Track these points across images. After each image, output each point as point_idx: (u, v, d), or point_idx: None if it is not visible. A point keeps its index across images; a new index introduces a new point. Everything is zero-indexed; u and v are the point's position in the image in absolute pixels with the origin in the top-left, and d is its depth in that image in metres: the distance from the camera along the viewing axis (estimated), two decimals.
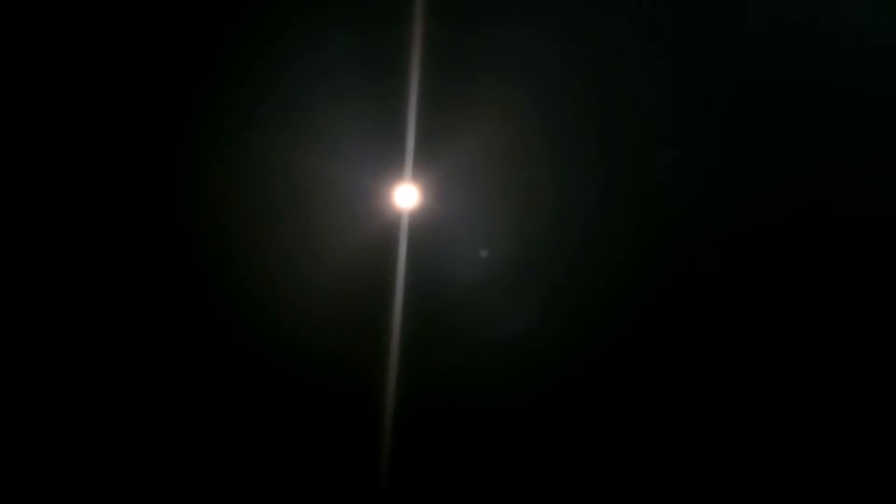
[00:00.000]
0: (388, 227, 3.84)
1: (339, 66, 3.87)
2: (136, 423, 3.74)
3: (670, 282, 3.87)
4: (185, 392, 3.76)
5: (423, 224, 3.85)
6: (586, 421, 3.78)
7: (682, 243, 3.89)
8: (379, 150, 3.85)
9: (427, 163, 3.85)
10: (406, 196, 3.86)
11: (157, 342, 3.78)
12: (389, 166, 3.84)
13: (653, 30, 3.99)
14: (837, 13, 4.00)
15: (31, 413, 3.72)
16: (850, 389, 3.79)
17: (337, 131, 3.85)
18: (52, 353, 3.76)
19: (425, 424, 3.77)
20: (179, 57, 3.89)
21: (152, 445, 3.72)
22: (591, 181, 3.91)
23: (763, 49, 3.99)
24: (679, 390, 3.81)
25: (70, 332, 3.77)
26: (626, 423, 3.79)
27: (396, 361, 3.78)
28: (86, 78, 3.87)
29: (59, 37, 3.89)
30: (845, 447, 3.76)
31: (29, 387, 3.74)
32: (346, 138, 3.85)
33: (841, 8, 4.00)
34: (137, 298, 3.80)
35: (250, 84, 3.88)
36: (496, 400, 3.79)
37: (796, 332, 3.84)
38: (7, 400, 3.72)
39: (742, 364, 3.83)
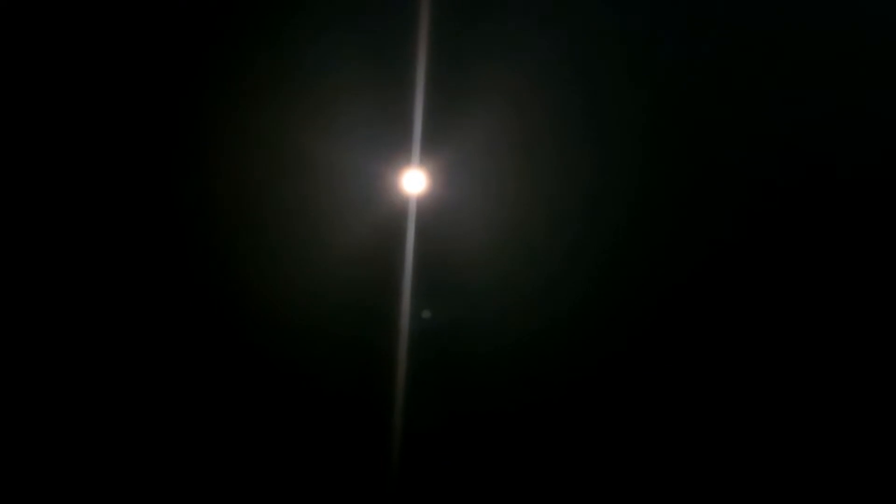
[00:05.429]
0: (395, 213, 3.86)
1: (347, 53, 3.88)
2: (145, 416, 3.76)
3: (675, 261, 3.91)
4: (197, 380, 3.77)
5: (430, 209, 3.87)
6: (596, 403, 3.83)
7: (686, 227, 3.95)
8: (387, 136, 3.87)
9: (434, 148, 3.87)
10: (414, 182, 3.88)
11: (167, 332, 3.79)
12: (397, 152, 3.87)
13: (653, 21, 4.03)
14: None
15: (58, 409, 3.74)
16: (846, 382, 3.85)
17: (345, 118, 3.86)
18: (74, 343, 3.78)
19: (434, 410, 3.80)
20: (189, 46, 3.88)
21: (167, 436, 3.74)
22: (596, 166, 3.95)
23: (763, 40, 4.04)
24: (683, 383, 3.87)
25: (84, 323, 3.79)
26: (637, 410, 3.84)
27: (405, 346, 3.81)
28: (97, 72, 3.87)
29: (65, 31, 3.88)
30: (841, 435, 3.83)
31: (54, 383, 3.76)
32: (354, 125, 3.86)
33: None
34: (146, 289, 3.81)
35: (260, 71, 3.88)
36: (505, 385, 3.83)
37: (793, 329, 3.90)
38: (33, 398, 3.74)
39: (747, 355, 3.89)
